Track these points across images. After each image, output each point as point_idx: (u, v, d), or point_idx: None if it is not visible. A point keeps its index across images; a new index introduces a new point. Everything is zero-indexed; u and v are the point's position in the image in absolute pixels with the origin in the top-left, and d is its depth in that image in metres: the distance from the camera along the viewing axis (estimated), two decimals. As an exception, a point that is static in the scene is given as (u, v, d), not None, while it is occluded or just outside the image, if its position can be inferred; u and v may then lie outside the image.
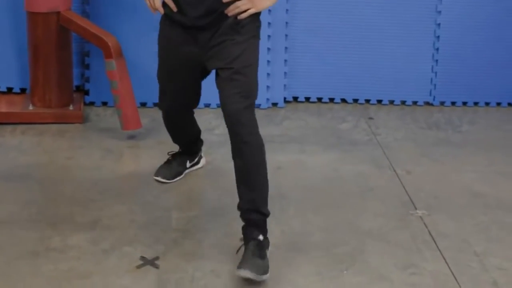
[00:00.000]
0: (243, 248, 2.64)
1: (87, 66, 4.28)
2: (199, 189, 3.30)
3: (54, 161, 3.55)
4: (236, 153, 2.66)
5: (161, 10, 2.72)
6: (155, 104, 4.27)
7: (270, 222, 2.99)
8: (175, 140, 3.29)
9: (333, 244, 2.88)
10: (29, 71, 4.03)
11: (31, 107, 4.02)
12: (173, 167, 3.32)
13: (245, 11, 2.63)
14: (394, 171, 3.59)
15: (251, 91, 2.67)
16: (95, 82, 4.25)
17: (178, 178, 3.30)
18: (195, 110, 3.22)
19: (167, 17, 2.77)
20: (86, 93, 4.29)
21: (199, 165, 3.43)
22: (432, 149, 3.90)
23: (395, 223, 3.08)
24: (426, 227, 3.05)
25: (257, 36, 2.73)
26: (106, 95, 4.13)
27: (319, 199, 3.26)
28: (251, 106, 2.66)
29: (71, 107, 4.04)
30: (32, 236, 2.84)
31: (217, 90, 2.70)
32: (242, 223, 2.70)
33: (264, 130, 3.99)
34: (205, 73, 2.90)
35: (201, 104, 4.29)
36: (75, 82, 4.25)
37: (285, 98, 4.48)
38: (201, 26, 2.67)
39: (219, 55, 2.68)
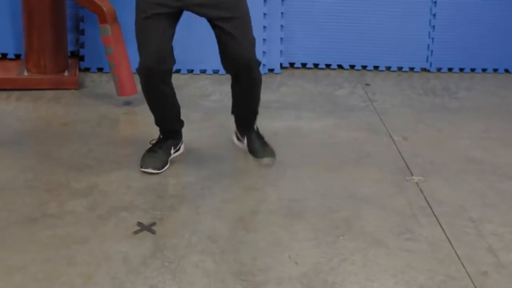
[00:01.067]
0: (240, 143, 3.26)
1: (81, 32, 4.24)
2: (196, 156, 3.28)
3: (49, 127, 3.53)
4: (243, 84, 3.03)
5: None
6: (150, 70, 4.24)
7: (267, 188, 3.00)
8: (159, 117, 3.10)
9: (329, 209, 2.88)
10: (24, 37, 3.99)
11: (26, 73, 3.99)
12: (160, 155, 3.12)
13: None
14: (391, 137, 3.58)
15: (253, 36, 2.93)
16: (90, 47, 4.22)
17: (166, 167, 3.12)
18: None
19: None
20: (81, 59, 4.26)
21: (180, 151, 3.23)
22: (429, 115, 3.89)
23: (391, 189, 3.08)
24: (422, 193, 3.05)
25: None
26: (101, 61, 4.10)
27: (316, 165, 3.26)
28: (255, 50, 2.95)
29: (66, 73, 4.02)
30: (28, 202, 2.84)
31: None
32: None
33: (261, 96, 3.99)
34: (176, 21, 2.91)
35: (196, 70, 4.30)
36: (70, 48, 4.22)
37: (281, 64, 4.46)
38: None
39: (217, 5, 2.80)
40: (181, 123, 3.19)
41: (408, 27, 4.49)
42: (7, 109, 3.70)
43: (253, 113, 3.21)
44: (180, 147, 3.23)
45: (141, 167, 3.09)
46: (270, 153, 3.21)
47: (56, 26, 3.94)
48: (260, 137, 3.24)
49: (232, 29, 2.84)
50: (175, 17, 2.87)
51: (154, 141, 3.19)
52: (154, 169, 3.08)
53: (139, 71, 2.93)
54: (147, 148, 3.17)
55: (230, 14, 2.83)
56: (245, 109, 3.20)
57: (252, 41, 2.93)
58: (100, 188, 2.96)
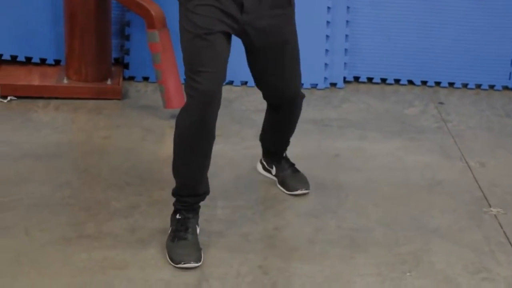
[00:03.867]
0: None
1: (127, 37, 4.31)
2: (247, 177, 3.30)
3: (89, 140, 3.59)
4: (284, 116, 3.02)
5: None
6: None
7: (326, 215, 2.99)
8: (195, 172, 2.72)
9: (395, 242, 2.86)
10: (65, 42, 4.08)
11: (65, 81, 4.07)
12: (193, 242, 2.70)
13: None
14: (466, 163, 3.54)
15: (300, 66, 2.89)
16: (136, 55, 4.28)
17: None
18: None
19: None
20: (126, 66, 4.33)
21: (198, 231, 2.79)
22: (510, 140, 3.84)
23: (465, 221, 3.04)
24: (502, 227, 3.01)
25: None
26: (147, 69, 4.16)
27: (381, 191, 3.24)
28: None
29: (109, 82, 4.08)
30: (64, 221, 2.88)
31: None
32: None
33: (321, 113, 4.00)
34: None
35: (251, 82, 4.31)
36: (114, 55, 4.29)
37: (345, 78, 4.46)
38: None
39: (273, 30, 2.67)
40: (208, 185, 2.83)
41: (489, 39, 4.44)
42: (44, 119, 3.78)
43: (287, 144, 3.20)
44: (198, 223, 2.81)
45: (178, 264, 2.63)
46: (303, 182, 3.17)
47: (99, 30, 4.01)
48: (291, 164, 3.22)
49: (283, 59, 2.76)
50: (230, 40, 2.67)
51: (173, 227, 2.74)
52: (196, 262, 2.64)
53: (195, 99, 2.57)
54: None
55: (284, 38, 2.73)
56: (279, 139, 3.18)
57: (300, 71, 2.88)
58: (142, 208, 3.00)
